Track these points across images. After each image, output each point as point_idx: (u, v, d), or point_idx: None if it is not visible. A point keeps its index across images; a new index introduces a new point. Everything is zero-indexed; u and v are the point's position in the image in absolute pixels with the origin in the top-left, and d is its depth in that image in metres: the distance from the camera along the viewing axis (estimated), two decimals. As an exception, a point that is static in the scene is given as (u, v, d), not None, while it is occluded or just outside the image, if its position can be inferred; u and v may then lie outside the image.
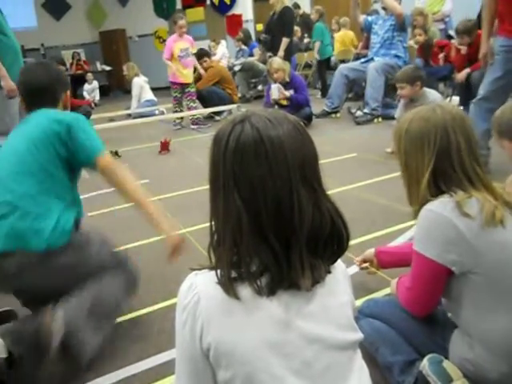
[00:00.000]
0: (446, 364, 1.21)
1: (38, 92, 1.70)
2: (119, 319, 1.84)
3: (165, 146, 4.57)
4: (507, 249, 1.16)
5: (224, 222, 0.81)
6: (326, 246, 0.83)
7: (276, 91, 5.19)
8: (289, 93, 5.20)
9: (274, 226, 0.78)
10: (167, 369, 1.53)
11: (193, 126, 5.98)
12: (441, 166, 1.21)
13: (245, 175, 0.78)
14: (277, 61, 5.35)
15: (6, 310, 1.66)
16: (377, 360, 1.38)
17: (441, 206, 1.18)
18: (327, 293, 0.84)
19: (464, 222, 1.15)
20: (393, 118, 4.51)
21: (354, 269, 1.93)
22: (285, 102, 5.27)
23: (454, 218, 1.15)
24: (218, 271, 0.80)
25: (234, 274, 0.79)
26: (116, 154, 4.49)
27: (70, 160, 1.60)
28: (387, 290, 1.82)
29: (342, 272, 0.90)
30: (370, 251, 1.83)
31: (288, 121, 0.82)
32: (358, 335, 0.89)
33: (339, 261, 0.91)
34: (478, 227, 1.14)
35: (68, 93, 1.82)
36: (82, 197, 1.81)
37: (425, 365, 1.22)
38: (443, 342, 1.30)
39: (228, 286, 0.79)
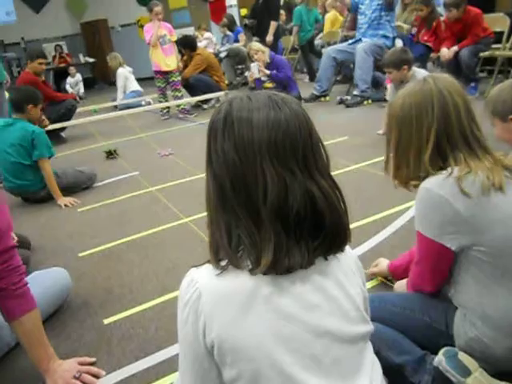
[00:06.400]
0: (461, 356, 1.16)
1: None
2: (114, 319, 1.79)
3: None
4: (508, 223, 1.13)
5: (207, 201, 0.83)
6: (316, 233, 0.79)
7: (256, 69, 5.26)
8: (269, 71, 5.27)
9: (241, 204, 0.77)
10: (167, 367, 1.49)
11: (180, 116, 5.91)
12: (443, 130, 1.18)
13: (214, 149, 0.80)
14: (255, 43, 5.49)
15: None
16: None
17: (437, 184, 1.15)
18: (334, 285, 0.81)
19: (461, 199, 1.12)
20: (384, 99, 4.47)
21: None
22: (270, 85, 5.32)
23: (450, 198, 1.13)
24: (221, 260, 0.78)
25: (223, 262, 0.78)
26: (113, 153, 4.33)
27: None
28: (371, 283, 1.76)
29: (354, 264, 0.87)
30: (383, 265, 1.75)
31: (267, 98, 0.79)
32: (369, 327, 0.87)
33: (352, 253, 0.88)
34: (476, 204, 1.11)
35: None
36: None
37: (441, 360, 1.15)
38: (446, 329, 1.26)
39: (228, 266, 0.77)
